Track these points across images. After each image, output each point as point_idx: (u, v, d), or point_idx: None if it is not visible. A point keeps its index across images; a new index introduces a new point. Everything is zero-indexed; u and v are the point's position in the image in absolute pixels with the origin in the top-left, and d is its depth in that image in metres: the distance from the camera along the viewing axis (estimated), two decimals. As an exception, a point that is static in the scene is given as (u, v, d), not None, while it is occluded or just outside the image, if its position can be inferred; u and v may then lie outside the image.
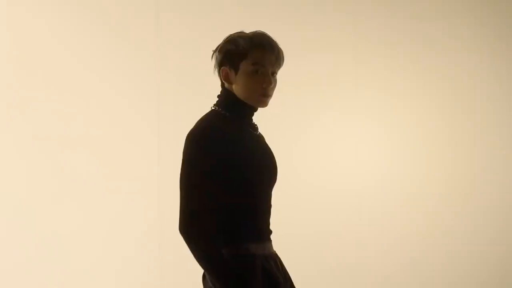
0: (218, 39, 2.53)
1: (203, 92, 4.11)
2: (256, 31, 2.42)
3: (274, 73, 2.41)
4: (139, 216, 4.39)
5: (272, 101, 2.44)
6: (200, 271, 2.33)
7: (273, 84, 2.39)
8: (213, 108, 2.42)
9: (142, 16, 4.48)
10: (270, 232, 2.42)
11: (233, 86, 2.41)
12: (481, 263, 4.84)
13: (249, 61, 2.37)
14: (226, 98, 2.42)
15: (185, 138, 2.32)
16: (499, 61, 4.95)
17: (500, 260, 4.88)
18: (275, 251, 2.43)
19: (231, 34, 2.43)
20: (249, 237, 2.33)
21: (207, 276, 2.30)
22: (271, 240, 2.42)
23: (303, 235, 4.56)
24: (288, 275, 2.45)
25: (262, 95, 2.38)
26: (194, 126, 2.35)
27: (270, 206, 2.43)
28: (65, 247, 4.29)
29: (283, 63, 2.44)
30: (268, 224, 2.42)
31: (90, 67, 4.40)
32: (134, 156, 4.41)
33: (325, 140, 4.71)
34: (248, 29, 2.47)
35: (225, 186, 2.29)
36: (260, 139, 2.46)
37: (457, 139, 4.87)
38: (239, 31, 2.44)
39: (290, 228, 4.39)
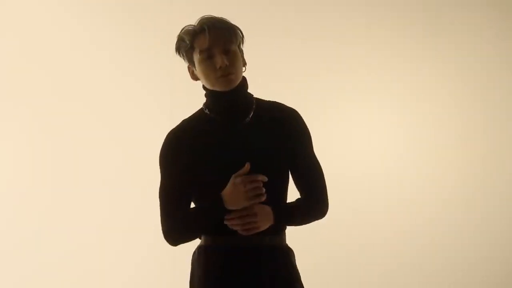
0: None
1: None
2: (199, 18, 2.37)
3: (228, 50, 2.32)
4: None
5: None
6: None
7: (229, 62, 2.30)
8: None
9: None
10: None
11: (201, 81, 2.39)
12: (492, 256, 4.78)
13: (196, 50, 2.32)
14: (205, 95, 2.41)
15: None
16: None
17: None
18: (272, 245, 2.36)
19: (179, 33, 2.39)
20: (211, 231, 2.35)
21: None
22: (252, 234, 2.30)
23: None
24: (283, 271, 2.38)
25: (221, 76, 2.30)
26: None
27: None
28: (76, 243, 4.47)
29: (236, 36, 2.34)
30: None
31: (100, 60, 4.51)
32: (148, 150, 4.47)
33: (339, 127, 4.69)
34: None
35: (184, 186, 2.34)
36: (239, 134, 2.37)
37: (473, 129, 4.80)
38: (186, 25, 2.38)
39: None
